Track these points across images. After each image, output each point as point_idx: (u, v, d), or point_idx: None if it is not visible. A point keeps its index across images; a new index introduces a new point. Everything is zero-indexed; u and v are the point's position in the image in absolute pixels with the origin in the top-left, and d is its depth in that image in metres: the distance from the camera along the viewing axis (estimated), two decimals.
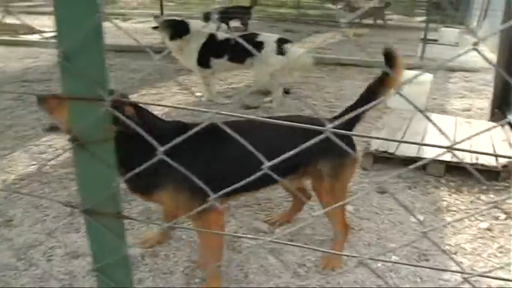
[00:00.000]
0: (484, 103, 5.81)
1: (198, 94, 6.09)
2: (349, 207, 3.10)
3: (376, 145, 3.77)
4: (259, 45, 5.36)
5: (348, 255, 2.52)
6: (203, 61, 5.65)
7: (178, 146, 1.32)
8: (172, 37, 5.50)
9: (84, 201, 1.05)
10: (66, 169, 3.74)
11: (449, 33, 12.21)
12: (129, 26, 13.65)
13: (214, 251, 2.17)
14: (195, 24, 5.73)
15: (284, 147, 1.74)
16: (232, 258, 2.55)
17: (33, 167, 3.82)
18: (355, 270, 2.40)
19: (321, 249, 2.67)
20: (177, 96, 6.11)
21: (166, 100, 5.92)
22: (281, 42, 5.43)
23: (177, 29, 5.48)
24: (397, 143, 3.83)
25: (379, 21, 16.40)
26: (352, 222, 2.91)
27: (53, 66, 7.52)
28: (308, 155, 1.98)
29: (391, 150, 3.68)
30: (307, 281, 2.36)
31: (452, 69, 7.77)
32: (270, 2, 24.23)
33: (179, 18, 5.74)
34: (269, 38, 5.48)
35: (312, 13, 19.67)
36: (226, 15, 12.69)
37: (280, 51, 5.36)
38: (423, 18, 20.30)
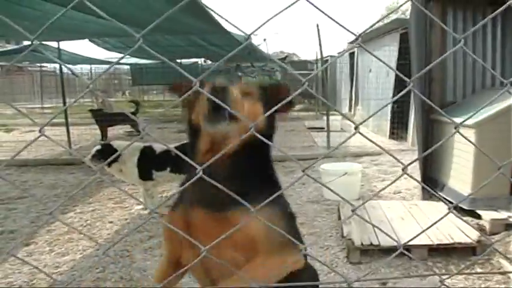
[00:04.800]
0: (408, 183, 6.43)
1: (137, 208, 5.95)
2: None
3: (358, 239, 4.01)
4: None
5: None
6: (145, 175, 5.62)
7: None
8: (109, 164, 5.47)
9: None
10: None
11: (333, 120, 13.33)
12: (17, 137, 12.91)
13: None
14: (122, 143, 5.77)
15: None
16: None
17: None
18: None
19: None
20: (116, 211, 5.89)
21: (108, 217, 5.67)
22: None
23: (109, 156, 5.38)
24: (374, 234, 4.11)
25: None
26: None
27: None
28: None
29: (375, 242, 3.94)
30: None
31: (359, 155, 8.50)
32: (145, 103, 24.53)
33: (104, 144, 5.80)
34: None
35: None
36: (111, 121, 12.60)
37: None
38: (296, 107, 22.01)
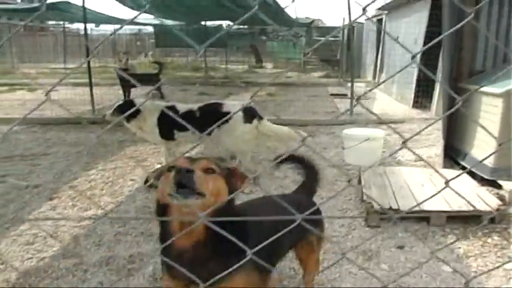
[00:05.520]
0: (429, 151, 6.40)
1: (158, 166, 6.02)
2: (383, 266, 3.29)
3: (378, 203, 4.03)
4: (226, 116, 5.42)
5: None
6: (166, 134, 5.64)
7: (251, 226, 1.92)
8: (128, 120, 5.53)
9: None
10: (71, 259, 3.53)
11: (356, 87, 13.19)
12: (40, 96, 13.08)
13: None
14: (143, 101, 5.82)
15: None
16: None
17: (30, 260, 3.55)
18: None
19: None
20: (137, 169, 5.99)
21: (129, 175, 5.78)
22: (247, 110, 5.56)
23: (127, 111, 5.35)
24: (394, 199, 4.13)
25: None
26: (391, 279, 3.10)
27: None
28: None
29: (394, 207, 3.96)
30: None
31: (380, 122, 8.42)
32: (168, 65, 24.51)
33: (125, 100, 5.84)
34: (234, 107, 5.60)
35: (217, 75, 20.24)
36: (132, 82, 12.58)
37: (248, 120, 5.48)
38: (320, 73, 21.81)
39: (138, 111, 5.51)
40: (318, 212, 2.66)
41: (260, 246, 1.40)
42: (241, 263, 1.46)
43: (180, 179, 1.59)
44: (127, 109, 5.46)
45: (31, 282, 3.20)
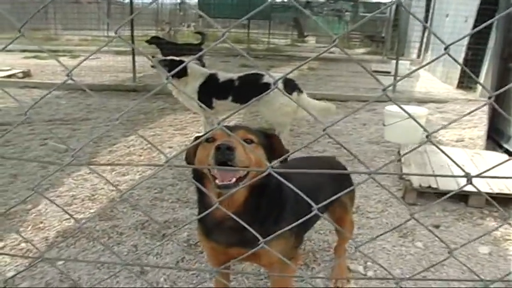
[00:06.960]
0: (472, 132, 6.22)
1: (197, 135, 6.06)
2: (418, 244, 3.25)
3: (417, 181, 3.95)
4: (265, 87, 5.37)
5: None
6: (204, 102, 5.64)
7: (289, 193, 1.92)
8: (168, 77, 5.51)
9: None
10: (107, 222, 3.61)
11: (400, 65, 12.84)
12: (82, 64, 13.28)
13: None
14: (192, 65, 5.78)
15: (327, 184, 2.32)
16: None
17: (68, 221, 3.64)
18: None
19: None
20: (176, 137, 6.05)
21: (168, 142, 5.85)
22: (287, 82, 5.48)
23: (174, 69, 5.33)
24: (433, 177, 4.04)
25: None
26: (426, 257, 3.06)
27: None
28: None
29: (433, 185, 3.88)
30: None
31: (424, 101, 8.22)
32: (211, 37, 24.42)
33: (177, 58, 5.76)
34: (274, 79, 5.51)
35: (259, 47, 20.12)
36: (176, 51, 12.60)
37: (287, 92, 5.40)
38: (363, 50, 21.36)
39: (184, 73, 5.52)
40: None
41: (298, 221, 1.43)
42: (281, 231, 1.49)
43: (220, 157, 1.55)
44: (174, 67, 5.26)
45: (68, 242, 3.30)
